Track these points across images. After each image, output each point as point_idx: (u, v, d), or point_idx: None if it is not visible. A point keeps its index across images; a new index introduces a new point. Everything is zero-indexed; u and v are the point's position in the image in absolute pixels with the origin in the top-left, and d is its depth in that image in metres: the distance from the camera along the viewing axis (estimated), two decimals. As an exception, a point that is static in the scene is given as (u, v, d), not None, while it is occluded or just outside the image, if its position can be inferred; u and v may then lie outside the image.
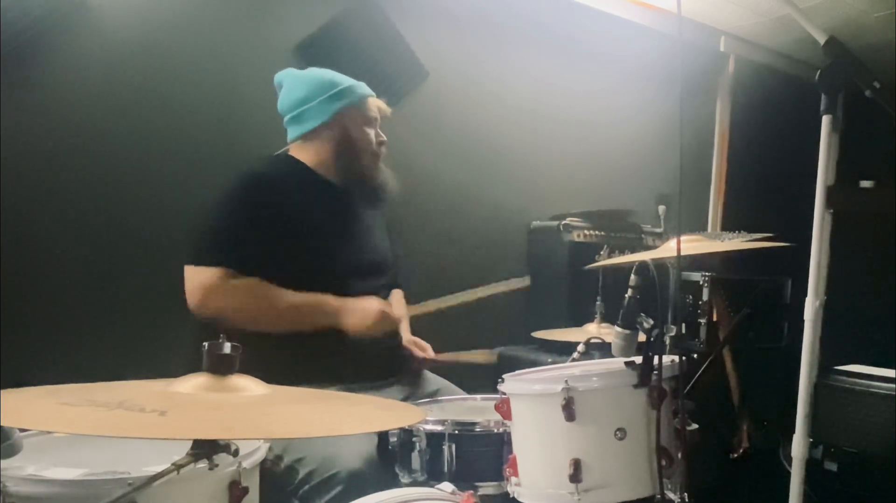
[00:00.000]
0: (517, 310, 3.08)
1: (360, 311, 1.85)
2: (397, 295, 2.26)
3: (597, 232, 2.96)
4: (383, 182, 2.09)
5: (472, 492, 1.38)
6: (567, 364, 1.94)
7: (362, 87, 2.05)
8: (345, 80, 2.03)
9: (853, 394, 2.49)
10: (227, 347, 1.08)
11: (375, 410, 1.24)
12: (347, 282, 1.92)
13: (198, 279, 1.81)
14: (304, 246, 1.89)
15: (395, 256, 2.21)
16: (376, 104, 2.08)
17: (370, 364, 1.92)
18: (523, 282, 3.08)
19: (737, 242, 2.06)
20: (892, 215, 3.19)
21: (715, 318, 2.78)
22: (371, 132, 2.04)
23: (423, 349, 2.15)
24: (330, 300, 1.86)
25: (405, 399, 1.96)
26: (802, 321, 1.88)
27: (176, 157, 2.29)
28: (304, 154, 2.03)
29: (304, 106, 1.99)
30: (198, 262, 1.82)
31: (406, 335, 2.17)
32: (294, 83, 2.03)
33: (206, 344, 1.08)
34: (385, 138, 2.08)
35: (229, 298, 1.80)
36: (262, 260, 1.83)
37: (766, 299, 2.98)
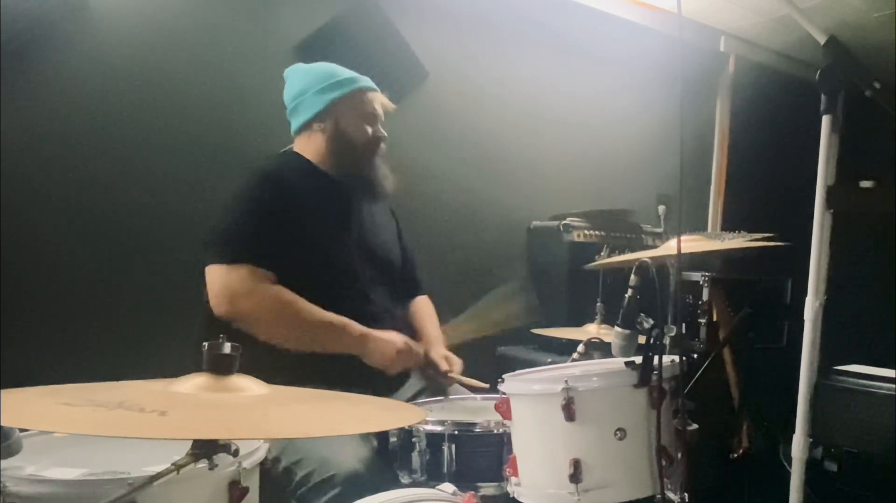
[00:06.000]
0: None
1: (381, 346, 1.81)
2: (424, 303, 2.20)
3: (597, 232, 2.96)
4: (380, 178, 2.02)
5: (473, 492, 1.37)
6: (567, 364, 1.93)
7: (362, 80, 2.00)
8: (343, 73, 1.99)
9: (853, 394, 2.48)
10: (227, 347, 1.08)
11: (375, 410, 1.24)
12: (354, 276, 1.89)
13: (225, 279, 1.72)
14: (310, 240, 1.86)
15: (411, 261, 2.17)
16: (378, 99, 2.02)
17: (386, 376, 1.88)
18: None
19: (737, 242, 2.05)
20: (892, 215, 3.19)
21: (715, 318, 2.77)
22: (367, 126, 1.97)
23: (452, 365, 2.05)
24: (354, 327, 1.79)
25: (417, 394, 1.95)
26: (802, 321, 1.88)
27: (176, 157, 2.29)
28: (305, 148, 2.01)
29: (300, 98, 1.97)
30: (225, 261, 1.73)
31: (440, 349, 2.08)
32: (296, 77, 2.01)
33: (205, 344, 1.08)
34: (384, 134, 2.02)
35: (257, 303, 1.72)
36: (281, 258, 1.77)
37: (766, 299, 2.98)
